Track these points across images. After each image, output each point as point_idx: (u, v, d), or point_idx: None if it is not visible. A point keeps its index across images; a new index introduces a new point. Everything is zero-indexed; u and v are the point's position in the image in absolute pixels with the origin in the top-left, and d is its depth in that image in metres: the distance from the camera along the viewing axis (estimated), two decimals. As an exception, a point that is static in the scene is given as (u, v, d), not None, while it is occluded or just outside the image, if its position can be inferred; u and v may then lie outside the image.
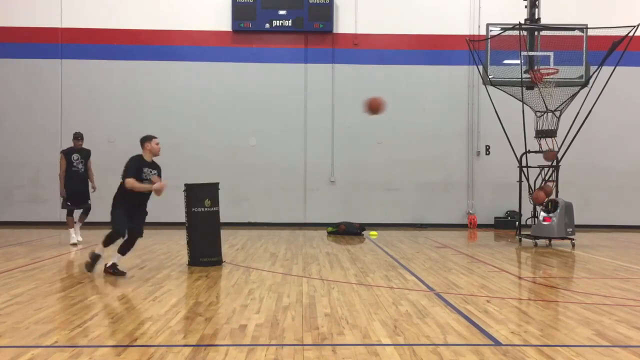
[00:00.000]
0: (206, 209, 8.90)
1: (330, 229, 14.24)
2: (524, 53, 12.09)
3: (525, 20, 12.48)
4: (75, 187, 11.37)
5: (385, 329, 5.19)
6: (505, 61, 12.55)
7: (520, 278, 8.28)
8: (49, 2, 16.19)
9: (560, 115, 11.99)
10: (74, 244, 11.22)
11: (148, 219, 8.24)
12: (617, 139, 16.34)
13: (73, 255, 10.02)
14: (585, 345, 4.78)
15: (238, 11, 15.94)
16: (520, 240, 12.56)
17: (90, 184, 11.60)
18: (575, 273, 8.92)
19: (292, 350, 4.56)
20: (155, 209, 14.68)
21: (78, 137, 11.59)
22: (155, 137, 7.99)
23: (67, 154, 11.48)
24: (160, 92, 16.24)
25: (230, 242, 11.72)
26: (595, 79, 11.96)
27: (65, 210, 11.69)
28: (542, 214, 11.89)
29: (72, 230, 11.45)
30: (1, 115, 16.09)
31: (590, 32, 12.26)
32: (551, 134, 11.99)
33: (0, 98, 16.17)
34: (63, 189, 11.33)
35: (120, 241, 8.02)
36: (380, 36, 16.46)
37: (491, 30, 12.30)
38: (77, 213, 11.63)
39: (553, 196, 11.92)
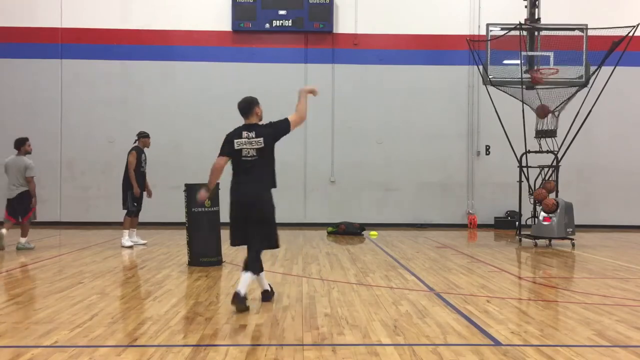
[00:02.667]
0: (206, 209, 8.90)
1: (330, 229, 14.24)
2: (523, 53, 12.09)
3: (525, 20, 12.47)
4: (141, 189, 10.96)
5: (385, 329, 5.19)
6: (505, 61, 12.54)
7: (520, 278, 8.28)
8: (49, 2, 16.19)
9: (558, 115, 11.99)
10: (144, 244, 11.11)
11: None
12: (617, 138, 16.33)
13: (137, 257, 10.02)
14: (585, 345, 4.78)
15: (238, 11, 15.94)
16: (520, 240, 12.56)
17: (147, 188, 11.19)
18: (575, 273, 8.92)
19: (292, 350, 4.56)
20: (155, 209, 14.75)
21: (148, 136, 11.20)
22: None
23: (138, 153, 10.94)
24: (160, 92, 16.23)
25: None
26: (595, 78, 11.96)
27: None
28: (542, 214, 11.89)
29: (130, 232, 10.98)
30: (2, 115, 16.07)
31: (590, 32, 12.25)
32: (551, 134, 12.00)
33: (0, 98, 16.18)
34: (137, 188, 10.81)
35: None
36: (380, 36, 16.45)
37: (491, 31, 12.29)
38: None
39: (553, 196, 11.92)
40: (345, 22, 16.41)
